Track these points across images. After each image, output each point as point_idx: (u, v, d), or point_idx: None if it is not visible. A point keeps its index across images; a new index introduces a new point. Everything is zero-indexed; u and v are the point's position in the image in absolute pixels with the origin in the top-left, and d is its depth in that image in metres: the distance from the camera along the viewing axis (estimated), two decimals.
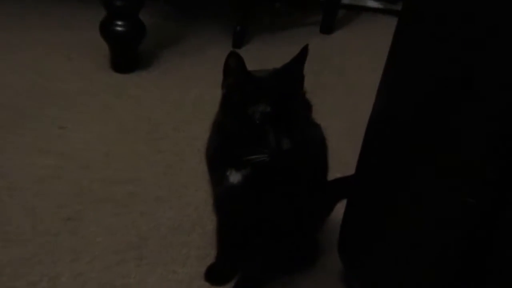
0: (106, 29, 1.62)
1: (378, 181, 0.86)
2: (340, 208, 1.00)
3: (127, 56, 1.68)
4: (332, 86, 1.69)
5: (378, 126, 0.86)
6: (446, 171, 0.71)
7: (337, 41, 2.01)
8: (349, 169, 0.95)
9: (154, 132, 1.42)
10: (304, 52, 0.79)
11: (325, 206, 1.04)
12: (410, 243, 0.78)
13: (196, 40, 1.91)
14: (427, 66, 0.74)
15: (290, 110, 0.76)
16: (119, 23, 1.59)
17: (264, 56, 1.79)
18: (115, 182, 1.24)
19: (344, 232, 0.97)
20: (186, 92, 1.60)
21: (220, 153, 0.85)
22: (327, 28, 2.05)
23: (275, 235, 0.93)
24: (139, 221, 1.14)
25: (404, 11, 0.80)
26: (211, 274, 1.02)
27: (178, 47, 1.86)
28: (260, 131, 0.75)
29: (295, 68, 0.80)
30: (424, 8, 0.75)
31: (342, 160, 1.13)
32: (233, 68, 0.77)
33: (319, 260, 1.08)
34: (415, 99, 0.77)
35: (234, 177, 0.82)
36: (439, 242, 0.74)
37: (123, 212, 1.16)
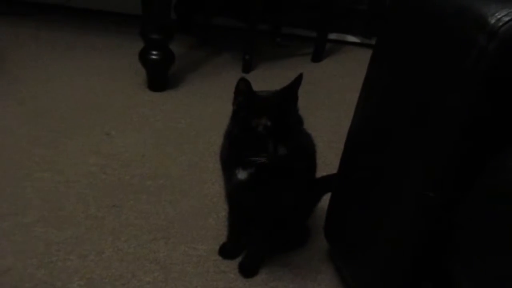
0: (143, 57, 1.62)
1: (355, 178, 0.86)
2: (326, 200, 0.99)
3: (160, 78, 1.68)
4: (321, 104, 1.68)
5: (355, 135, 0.86)
6: (411, 172, 0.70)
7: (325, 68, 2.00)
8: (333, 169, 0.95)
9: (180, 138, 1.42)
10: (299, 79, 0.79)
11: (314, 198, 1.03)
12: (380, 229, 0.78)
13: (213, 66, 1.91)
14: (393, 90, 0.74)
15: (286, 124, 0.76)
16: (154, 52, 1.60)
17: (267, 79, 1.80)
18: (149, 177, 1.23)
19: (329, 219, 0.97)
20: (205, 107, 1.60)
21: (231, 156, 0.84)
22: (317, 58, 2.05)
23: (274, 220, 0.92)
24: (167, 208, 1.13)
25: (376, 46, 0.80)
26: (223, 250, 1.02)
27: (199, 71, 1.86)
28: (262, 140, 0.75)
29: (291, 91, 0.80)
30: (390, 45, 0.75)
31: (327, 161, 1.13)
32: (242, 90, 0.77)
33: (309, 241, 1.07)
34: (385, 114, 0.76)
35: (242, 174, 0.82)
36: (403, 228, 0.73)
37: (155, 201, 1.15)
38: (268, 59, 1.99)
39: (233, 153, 0.83)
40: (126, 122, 1.48)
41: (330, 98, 1.73)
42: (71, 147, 1.33)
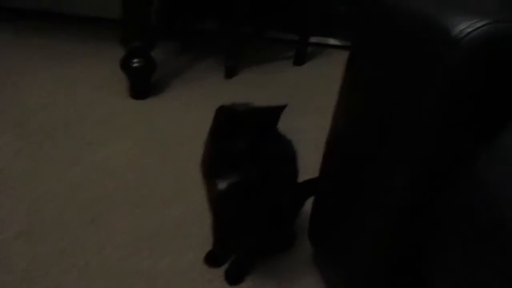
0: (125, 65, 1.61)
1: (335, 182, 0.86)
2: (309, 203, 1.00)
3: (142, 86, 1.67)
4: (302, 107, 1.68)
5: (333, 140, 0.87)
6: (389, 175, 0.71)
7: (307, 72, 2.01)
8: (317, 172, 0.95)
9: (163, 147, 1.41)
10: (283, 107, 0.80)
11: (297, 202, 1.04)
12: (358, 230, 0.78)
13: (196, 72, 1.90)
14: (369, 98, 0.75)
15: (262, 147, 0.77)
16: (135, 60, 1.58)
17: (251, 83, 1.79)
18: (132, 187, 1.22)
19: (313, 222, 0.97)
20: (188, 114, 1.59)
21: (211, 166, 0.84)
22: (299, 61, 2.06)
23: (257, 227, 0.92)
24: (151, 218, 1.12)
25: (351, 49, 0.81)
26: (209, 259, 1.01)
27: (182, 78, 1.85)
28: (236, 160, 0.76)
29: (273, 114, 0.80)
30: (364, 53, 0.76)
31: (312, 165, 1.13)
32: (223, 114, 0.78)
33: (296, 244, 1.07)
34: (360, 118, 0.77)
35: (222, 185, 0.82)
36: (384, 232, 0.74)
37: (138, 212, 1.14)
38: (250, 64, 1.99)
39: (212, 165, 0.83)
40: (108, 131, 1.46)
41: (312, 101, 1.73)
42: (52, 158, 1.30)
